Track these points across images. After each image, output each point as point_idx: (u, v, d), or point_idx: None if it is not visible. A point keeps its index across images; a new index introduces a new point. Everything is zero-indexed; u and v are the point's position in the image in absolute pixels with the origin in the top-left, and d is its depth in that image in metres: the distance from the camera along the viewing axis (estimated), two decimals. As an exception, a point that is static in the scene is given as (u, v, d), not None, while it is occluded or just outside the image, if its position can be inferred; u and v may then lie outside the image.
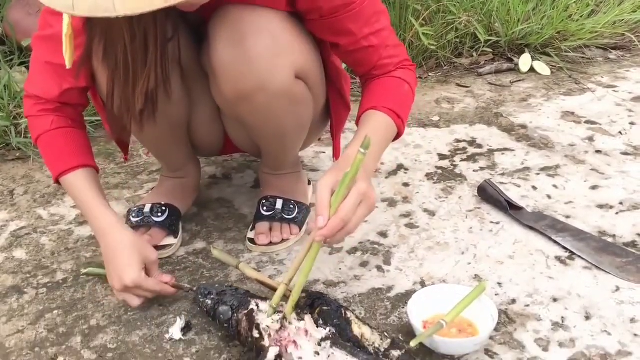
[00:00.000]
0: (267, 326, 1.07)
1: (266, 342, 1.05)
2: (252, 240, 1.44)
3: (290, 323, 1.07)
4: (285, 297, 1.11)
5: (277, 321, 1.07)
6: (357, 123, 1.27)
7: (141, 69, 1.11)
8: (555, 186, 1.68)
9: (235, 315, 1.13)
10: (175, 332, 1.19)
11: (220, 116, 1.44)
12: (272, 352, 1.03)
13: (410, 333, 1.17)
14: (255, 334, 1.07)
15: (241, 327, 1.11)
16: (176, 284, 1.25)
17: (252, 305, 1.11)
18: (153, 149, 1.52)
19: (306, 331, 1.05)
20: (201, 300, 1.20)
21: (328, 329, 1.06)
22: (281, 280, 1.13)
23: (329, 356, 1.02)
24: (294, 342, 1.04)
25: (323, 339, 1.03)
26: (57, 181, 1.28)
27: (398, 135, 1.28)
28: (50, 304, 1.29)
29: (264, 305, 1.11)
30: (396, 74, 1.28)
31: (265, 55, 1.17)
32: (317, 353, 1.03)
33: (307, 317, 1.08)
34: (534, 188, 1.68)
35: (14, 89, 2.01)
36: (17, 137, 1.91)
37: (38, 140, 1.29)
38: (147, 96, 1.15)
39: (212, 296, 1.18)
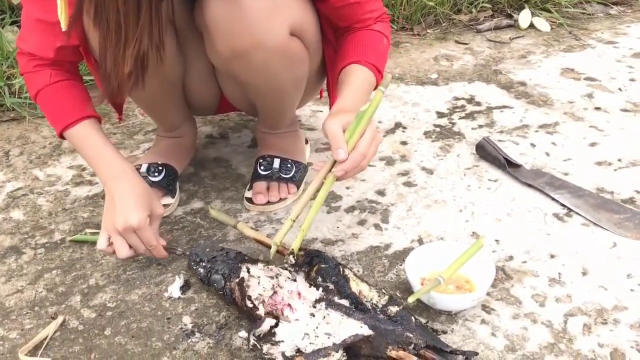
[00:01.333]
0: (260, 294, 1.07)
1: (261, 311, 1.05)
2: (249, 200, 1.44)
3: (296, 254, 1.08)
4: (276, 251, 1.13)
5: (270, 288, 1.07)
6: (338, 75, 1.29)
7: (133, 31, 1.07)
8: (553, 143, 1.68)
9: (228, 283, 1.12)
10: (174, 290, 1.19)
11: (216, 75, 1.42)
12: (267, 323, 1.03)
13: (407, 290, 1.17)
14: (249, 304, 1.07)
15: (235, 295, 1.11)
16: (170, 247, 1.24)
17: (243, 273, 1.11)
18: (148, 109, 1.50)
19: (299, 293, 1.05)
20: (194, 268, 1.20)
21: (321, 289, 1.06)
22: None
23: (324, 317, 1.02)
24: (289, 305, 1.04)
25: (317, 301, 1.03)
26: (61, 135, 1.27)
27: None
28: (48, 264, 1.29)
29: (255, 270, 1.11)
30: (376, 27, 1.32)
31: (260, 11, 1.15)
32: (313, 315, 1.03)
33: (300, 278, 1.07)
34: (533, 145, 1.67)
35: (6, 49, 1.98)
36: (11, 97, 1.89)
37: (38, 95, 1.26)
38: (136, 59, 1.11)
39: (203, 264, 1.18)
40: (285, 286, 1.07)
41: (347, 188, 1.49)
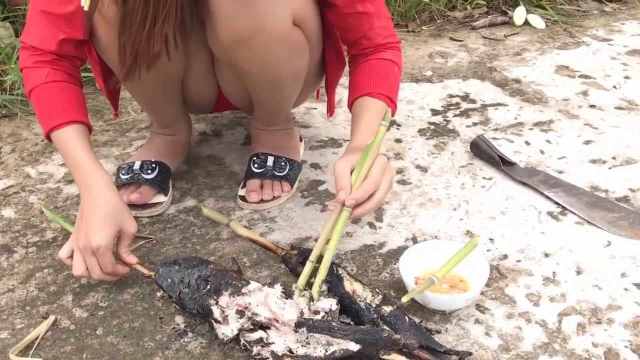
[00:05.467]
0: (239, 329, 1.04)
1: (253, 350, 1.03)
2: (243, 198, 1.43)
3: (316, 300, 1.04)
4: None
5: (246, 320, 1.04)
6: (350, 106, 1.28)
7: (162, 9, 1.09)
8: (548, 141, 1.67)
9: (207, 320, 1.09)
10: (167, 290, 1.18)
11: (215, 70, 1.41)
12: (259, 334, 1.03)
13: (401, 289, 1.17)
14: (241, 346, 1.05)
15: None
16: (139, 267, 1.18)
17: (214, 308, 1.06)
18: (146, 104, 1.49)
19: (277, 320, 1.02)
20: (167, 297, 1.15)
21: (296, 312, 1.01)
22: (280, 242, 1.12)
23: (307, 337, 1.01)
24: (276, 328, 1.02)
25: (298, 325, 1.00)
26: (48, 136, 1.23)
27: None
28: (40, 263, 1.28)
29: (224, 299, 1.05)
30: (386, 56, 1.30)
31: None
32: (296, 331, 1.02)
33: (272, 303, 1.03)
34: (527, 143, 1.67)
35: (-2, 45, 1.97)
36: (3, 94, 1.87)
37: (31, 93, 1.24)
38: (164, 38, 1.13)
39: (172, 299, 1.13)
40: (260, 313, 1.03)
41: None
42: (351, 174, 1.11)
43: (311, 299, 1.04)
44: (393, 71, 1.30)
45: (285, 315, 1.01)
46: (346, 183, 1.09)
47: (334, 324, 1.01)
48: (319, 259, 1.08)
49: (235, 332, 1.04)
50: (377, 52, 1.30)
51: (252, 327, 1.04)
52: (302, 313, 1.02)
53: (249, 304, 1.04)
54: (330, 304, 1.04)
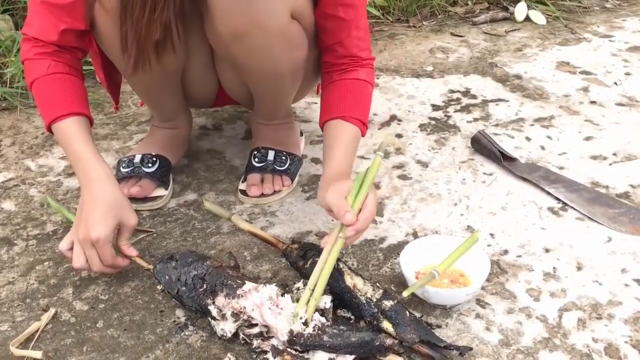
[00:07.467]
0: (237, 329, 1.05)
1: (254, 343, 1.03)
2: (243, 192, 1.43)
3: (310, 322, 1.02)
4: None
5: (244, 321, 1.04)
6: (322, 125, 1.28)
7: None
8: (549, 137, 1.67)
9: (207, 317, 1.09)
10: (167, 283, 1.18)
11: (214, 65, 1.40)
12: (259, 328, 1.03)
13: (402, 283, 1.17)
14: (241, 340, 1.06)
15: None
16: (139, 260, 1.18)
17: (213, 312, 1.06)
18: (147, 97, 1.49)
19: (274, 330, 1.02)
20: (167, 292, 1.15)
21: (288, 331, 1.00)
22: (282, 241, 1.12)
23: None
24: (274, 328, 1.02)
25: (290, 343, 1.00)
26: (49, 128, 1.23)
27: None
28: (40, 256, 1.28)
29: (220, 300, 1.05)
30: (361, 76, 1.30)
31: None
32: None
33: (266, 313, 1.03)
34: (528, 139, 1.67)
35: (-2, 37, 1.96)
36: (3, 86, 1.86)
37: (33, 84, 1.23)
38: (165, 26, 1.13)
39: (171, 294, 1.13)
40: (255, 317, 1.03)
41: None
42: None
43: (305, 323, 1.02)
44: (367, 92, 1.31)
45: (279, 330, 1.00)
46: (349, 206, 1.08)
47: (325, 338, 1.00)
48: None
49: (234, 331, 1.04)
50: (351, 71, 1.29)
51: (251, 323, 1.04)
52: (291, 332, 1.00)
53: (244, 307, 1.03)
54: (325, 302, 1.04)
